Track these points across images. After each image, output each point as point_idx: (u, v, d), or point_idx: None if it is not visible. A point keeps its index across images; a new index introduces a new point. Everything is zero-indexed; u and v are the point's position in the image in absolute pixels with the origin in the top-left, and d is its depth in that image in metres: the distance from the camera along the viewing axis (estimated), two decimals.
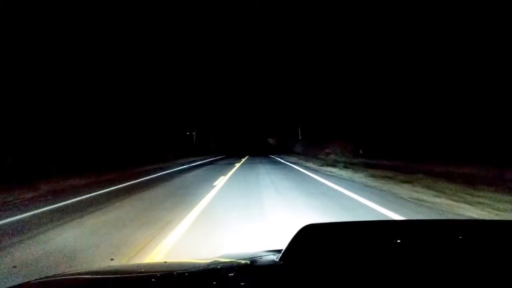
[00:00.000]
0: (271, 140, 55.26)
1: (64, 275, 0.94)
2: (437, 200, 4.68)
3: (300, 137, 36.57)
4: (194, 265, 0.98)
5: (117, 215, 4.31)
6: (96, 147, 16.45)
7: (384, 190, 6.00)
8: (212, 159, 24.88)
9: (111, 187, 7.49)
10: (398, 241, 0.81)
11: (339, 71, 24.41)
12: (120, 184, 8.07)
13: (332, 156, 20.84)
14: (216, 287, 0.66)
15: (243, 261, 0.90)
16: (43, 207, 5.10)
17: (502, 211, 4.01)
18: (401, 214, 3.85)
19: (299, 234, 0.81)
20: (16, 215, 4.53)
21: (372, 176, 8.58)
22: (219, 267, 0.85)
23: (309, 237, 0.84)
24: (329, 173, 10.04)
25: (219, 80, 43.89)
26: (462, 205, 4.27)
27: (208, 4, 33.69)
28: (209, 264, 0.86)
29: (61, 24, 15.78)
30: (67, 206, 5.16)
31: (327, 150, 23.32)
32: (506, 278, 0.57)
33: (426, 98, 16.33)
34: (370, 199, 4.87)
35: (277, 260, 0.76)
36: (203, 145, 42.20)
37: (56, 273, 1.05)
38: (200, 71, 39.30)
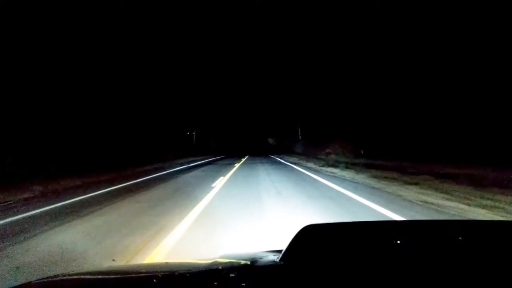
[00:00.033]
0: (271, 140, 55.04)
1: (65, 276, 0.93)
2: (449, 203, 4.40)
3: (300, 137, 36.34)
4: (195, 266, 0.97)
5: (108, 219, 4.05)
6: (96, 147, 16.60)
7: (390, 192, 5.74)
8: (212, 159, 24.68)
9: (108, 188, 7.38)
10: (398, 241, 0.81)
11: (339, 71, 24.22)
12: (119, 184, 8.07)
13: (333, 156, 20.60)
14: None
15: (243, 262, 0.90)
16: (32, 210, 4.85)
17: None
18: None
19: (299, 235, 0.81)
20: None
21: (375, 177, 8.33)
22: (220, 267, 0.83)
23: (309, 237, 0.84)
24: (331, 174, 9.79)
25: (219, 80, 43.74)
26: (477, 209, 4.00)
27: (208, 4, 33.48)
28: (210, 265, 0.84)
29: (61, 24, 15.74)
30: (58, 208, 4.91)
31: (327, 150, 23.08)
32: (506, 278, 0.57)
33: (427, 98, 16.18)
34: (377, 203, 4.60)
35: (278, 260, 0.75)
36: (203, 145, 42.07)
37: (57, 273, 1.01)
38: (199, 71, 39.17)
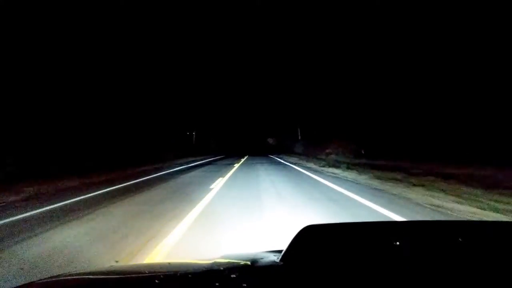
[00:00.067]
0: (270, 140, 54.84)
1: (68, 276, 0.92)
2: (460, 207, 4.18)
3: (299, 137, 36.15)
4: (196, 266, 0.97)
5: (101, 223, 3.83)
6: (97, 147, 16.61)
7: (395, 194, 5.52)
8: (212, 159, 24.50)
9: (106, 188, 7.32)
10: (398, 242, 0.80)
11: (339, 71, 24.05)
12: (118, 184, 8.08)
13: (333, 157, 20.41)
14: None
15: (244, 262, 0.91)
16: (24, 213, 4.63)
17: None
18: None
19: (300, 235, 0.81)
20: None
21: (379, 178, 8.11)
22: (221, 268, 0.83)
23: (309, 237, 0.84)
24: (333, 175, 9.57)
25: (218, 80, 43.54)
26: (491, 213, 3.78)
27: (208, 4, 33.29)
28: (211, 265, 0.84)
29: (60, 24, 15.62)
30: (51, 211, 4.68)
31: (328, 150, 22.92)
32: (506, 278, 0.57)
33: (428, 98, 16.05)
34: (385, 206, 4.35)
35: (278, 260, 0.76)
36: (203, 145, 41.92)
37: (60, 274, 0.99)
38: (199, 71, 38.99)
